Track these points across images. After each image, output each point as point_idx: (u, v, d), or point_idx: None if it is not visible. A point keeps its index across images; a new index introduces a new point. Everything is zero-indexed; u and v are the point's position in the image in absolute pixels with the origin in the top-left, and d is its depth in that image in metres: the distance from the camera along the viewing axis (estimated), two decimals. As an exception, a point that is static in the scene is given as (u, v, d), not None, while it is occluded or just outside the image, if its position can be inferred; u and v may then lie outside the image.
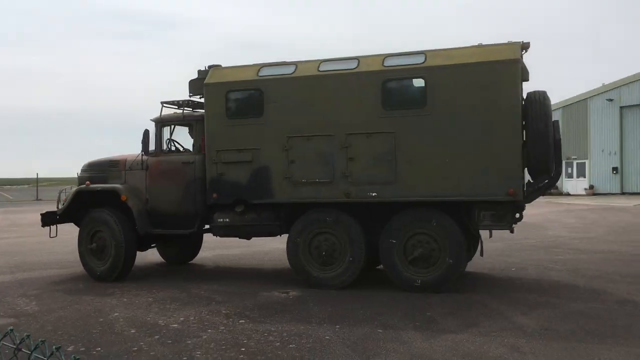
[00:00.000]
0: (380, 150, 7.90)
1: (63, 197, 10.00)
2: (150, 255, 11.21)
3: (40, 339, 1.46)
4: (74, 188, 9.83)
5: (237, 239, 9.79)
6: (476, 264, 9.20)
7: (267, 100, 8.43)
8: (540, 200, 11.98)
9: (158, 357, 5.30)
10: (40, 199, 41.59)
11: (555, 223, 17.45)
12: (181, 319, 6.67)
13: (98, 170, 9.79)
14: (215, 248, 12.37)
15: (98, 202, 9.45)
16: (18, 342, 2.18)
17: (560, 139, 7.99)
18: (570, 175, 37.03)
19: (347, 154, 8.02)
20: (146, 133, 9.20)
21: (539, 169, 7.70)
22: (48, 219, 9.90)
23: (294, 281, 8.53)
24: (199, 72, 9.06)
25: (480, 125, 7.50)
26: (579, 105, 37.62)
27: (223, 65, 9.08)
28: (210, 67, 8.98)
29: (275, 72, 8.59)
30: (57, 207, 9.94)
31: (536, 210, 19.55)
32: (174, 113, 9.50)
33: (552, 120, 7.79)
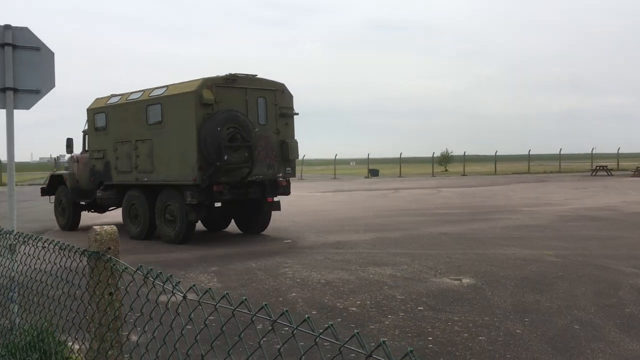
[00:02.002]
0: (147, 151, 12.30)
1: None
2: (314, 237, 11.44)
3: (284, 309, 1.53)
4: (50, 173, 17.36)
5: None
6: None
7: (108, 120, 13.49)
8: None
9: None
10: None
11: None
12: (358, 302, 6.69)
13: (69, 161, 15.85)
14: (377, 231, 12.33)
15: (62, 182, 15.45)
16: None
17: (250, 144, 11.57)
18: None
19: (136, 153, 12.58)
20: (68, 141, 15.32)
21: (210, 164, 11.18)
22: (43, 192, 16.34)
23: (457, 267, 8.22)
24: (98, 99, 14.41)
25: (181, 135, 11.50)
26: None
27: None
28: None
29: (112, 102, 13.57)
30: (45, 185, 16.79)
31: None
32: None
33: (234, 129, 11.31)
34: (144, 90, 12.77)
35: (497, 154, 51.56)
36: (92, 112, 13.96)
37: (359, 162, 67.94)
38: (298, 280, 8.03)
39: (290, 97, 12.84)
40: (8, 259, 5.27)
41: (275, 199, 12.76)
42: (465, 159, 52.32)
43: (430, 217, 16.13)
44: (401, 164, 50.82)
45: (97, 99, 14.32)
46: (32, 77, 5.99)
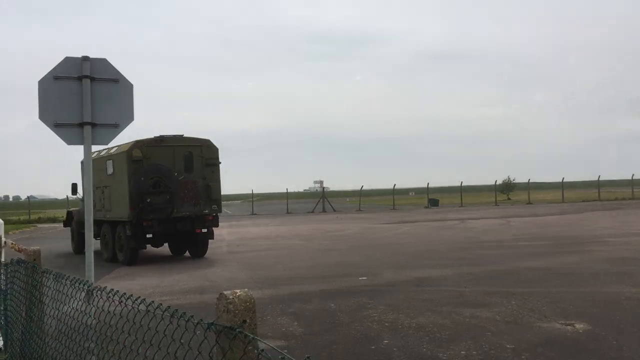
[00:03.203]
0: (107, 194, 15.89)
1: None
2: (390, 274, 10.71)
3: None
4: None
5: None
6: None
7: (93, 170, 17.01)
8: None
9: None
10: (255, 213, 44.90)
11: None
12: (462, 352, 5.92)
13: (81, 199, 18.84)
14: (456, 266, 11.48)
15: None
16: None
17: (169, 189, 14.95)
18: None
19: (102, 196, 16.17)
20: (73, 185, 18.89)
21: (137, 205, 14.49)
22: (64, 224, 20.48)
23: (562, 309, 7.30)
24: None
25: (121, 183, 14.99)
26: None
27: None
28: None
29: (93, 156, 16.34)
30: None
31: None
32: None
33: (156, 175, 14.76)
34: (109, 148, 16.05)
35: (564, 180, 49.37)
36: (81, 164, 18.05)
37: (417, 191, 66.66)
38: (386, 324, 7.32)
39: (215, 149, 15.93)
40: (85, 302, 4.85)
41: (204, 230, 15.74)
42: (529, 187, 50.29)
43: (510, 249, 15.08)
44: (462, 194, 49.32)
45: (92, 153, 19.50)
46: (111, 110, 5.66)
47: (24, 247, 6.70)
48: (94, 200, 18.60)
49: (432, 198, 50.33)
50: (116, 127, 5.67)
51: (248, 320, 1.69)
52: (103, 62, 5.65)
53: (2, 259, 6.48)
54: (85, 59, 5.54)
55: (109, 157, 15.92)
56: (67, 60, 5.53)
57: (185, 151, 15.34)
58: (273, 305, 8.89)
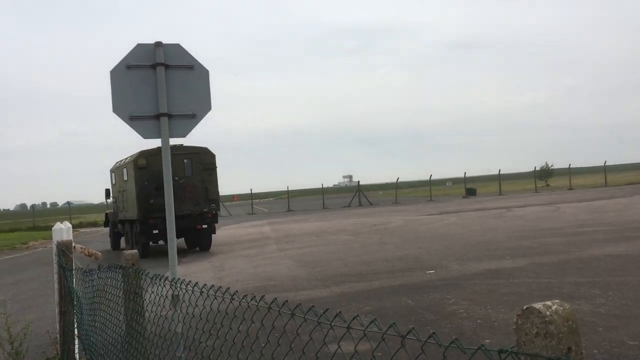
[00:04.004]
0: (124, 197, 18.58)
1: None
2: (457, 266, 10.10)
3: None
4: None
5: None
6: None
7: (114, 177, 20.62)
8: None
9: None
10: (291, 210, 44.55)
11: None
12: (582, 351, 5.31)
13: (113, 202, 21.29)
14: (525, 256, 10.81)
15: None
16: None
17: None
18: None
19: (122, 199, 19.00)
20: (106, 191, 21.78)
21: (143, 205, 16.98)
22: (104, 224, 23.61)
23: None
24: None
25: (131, 187, 17.50)
26: None
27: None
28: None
29: (115, 166, 20.30)
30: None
31: None
32: None
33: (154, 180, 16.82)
34: (125, 158, 18.83)
35: (606, 164, 47.82)
36: (110, 172, 21.17)
37: (454, 181, 65.53)
38: (479, 321, 6.76)
39: (212, 155, 18.12)
40: (171, 309, 4.42)
41: (205, 226, 17.94)
42: (570, 172, 48.83)
43: (575, 236, 14.31)
44: (500, 182, 48.15)
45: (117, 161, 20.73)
46: (187, 99, 5.22)
47: (94, 251, 6.32)
48: (117, 204, 19.89)
49: (470, 188, 49.30)
50: (193, 118, 5.24)
51: (574, 348, 1.19)
52: (177, 47, 5.21)
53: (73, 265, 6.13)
54: (159, 44, 5.10)
55: (124, 165, 18.45)
56: (139, 47, 5.10)
57: (185, 158, 17.49)
58: (346, 303, 8.40)
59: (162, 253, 17.54)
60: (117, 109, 5.03)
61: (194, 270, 13.66)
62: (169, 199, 5.11)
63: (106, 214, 23.21)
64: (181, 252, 17.36)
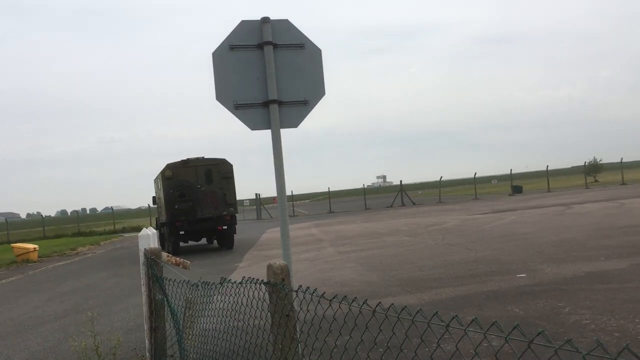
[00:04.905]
0: (159, 204, 23.28)
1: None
2: (550, 269, 9.17)
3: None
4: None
5: None
6: None
7: (155, 188, 24.07)
8: None
9: None
10: (332, 211, 43.83)
11: None
12: None
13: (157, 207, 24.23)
14: (622, 256, 9.82)
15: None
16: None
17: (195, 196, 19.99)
18: None
19: (158, 205, 23.16)
20: (153, 198, 24.34)
21: (169, 210, 19.86)
22: (155, 228, 21.29)
23: None
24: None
25: (160, 195, 21.14)
26: None
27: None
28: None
29: (156, 176, 22.85)
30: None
31: None
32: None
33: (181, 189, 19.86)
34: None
35: (661, 157, 45.53)
36: (153, 182, 23.61)
37: (499, 179, 63.89)
38: (616, 334, 5.88)
39: (230, 165, 20.44)
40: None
41: (225, 227, 20.30)
42: (622, 166, 46.84)
43: (665, 234, 13.19)
44: (548, 178, 46.48)
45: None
46: (298, 84, 4.51)
47: (181, 259, 5.69)
48: (158, 209, 23.13)
49: (516, 185, 47.79)
50: (305, 105, 4.53)
51: None
52: (285, 23, 4.52)
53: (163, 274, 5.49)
54: (266, 20, 4.41)
55: (158, 176, 21.58)
56: (244, 24, 4.42)
57: (206, 169, 20.05)
58: (442, 312, 7.57)
59: (191, 251, 21.31)
60: (220, 97, 4.36)
61: (256, 275, 13.00)
62: (281, 190, 4.41)
63: (156, 219, 25.74)
64: (228, 254, 16.93)
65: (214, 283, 3.55)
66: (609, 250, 11.36)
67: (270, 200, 56.19)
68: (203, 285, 3.65)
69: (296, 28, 4.54)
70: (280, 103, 4.41)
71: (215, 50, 4.37)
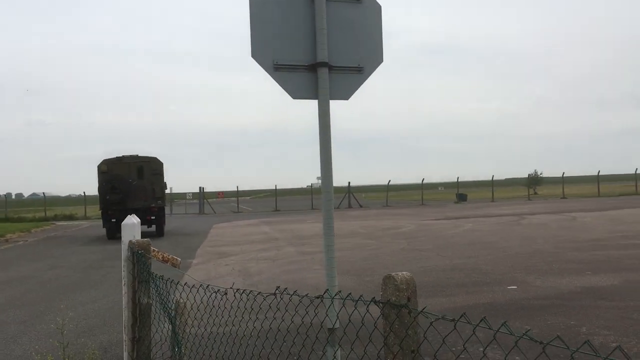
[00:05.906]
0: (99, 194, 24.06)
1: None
2: (539, 282, 8.67)
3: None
4: None
5: None
6: None
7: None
8: None
9: None
10: (278, 209, 42.85)
11: None
12: None
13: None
14: (608, 271, 9.47)
15: None
16: None
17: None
18: None
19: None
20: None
21: (103, 201, 22.37)
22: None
23: None
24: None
25: (99, 187, 22.91)
26: None
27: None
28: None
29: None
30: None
31: None
32: None
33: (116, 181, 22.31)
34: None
35: (599, 173, 47.37)
36: (98, 169, 23.49)
37: (446, 186, 64.74)
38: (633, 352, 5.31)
39: (160, 163, 23.11)
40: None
41: (153, 217, 22.55)
42: (564, 180, 48.28)
43: (633, 249, 13.09)
44: (493, 187, 47.30)
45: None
46: (352, 45, 3.63)
47: (171, 255, 4.70)
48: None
49: (461, 193, 48.38)
50: (360, 73, 3.65)
51: None
52: (341, -31, 3.61)
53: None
54: (318, -38, 3.49)
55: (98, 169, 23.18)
56: (291, -35, 3.48)
57: (138, 165, 22.53)
58: (448, 326, 6.86)
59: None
60: (257, 54, 3.42)
61: (217, 275, 11.96)
62: (327, 176, 3.54)
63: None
64: (178, 249, 15.70)
65: (271, 294, 2.60)
66: (591, 265, 11.04)
67: (214, 194, 54.55)
68: (254, 296, 2.71)
69: (354, -24, 3.66)
70: (330, 68, 3.51)
71: (254, -5, 3.42)
